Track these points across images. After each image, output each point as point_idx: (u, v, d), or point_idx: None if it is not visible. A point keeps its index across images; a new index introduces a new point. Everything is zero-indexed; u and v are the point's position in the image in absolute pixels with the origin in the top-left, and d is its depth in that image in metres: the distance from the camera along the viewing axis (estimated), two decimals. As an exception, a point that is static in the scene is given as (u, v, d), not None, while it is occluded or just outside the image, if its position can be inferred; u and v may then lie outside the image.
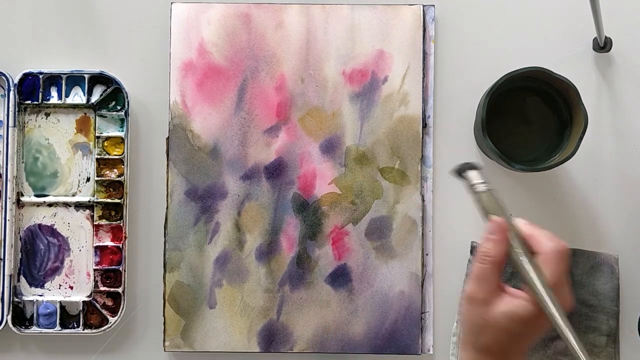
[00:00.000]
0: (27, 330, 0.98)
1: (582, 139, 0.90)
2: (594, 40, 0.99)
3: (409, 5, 0.99)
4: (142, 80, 1.00)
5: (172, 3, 0.99)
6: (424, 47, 0.99)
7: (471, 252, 0.98)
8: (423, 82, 0.99)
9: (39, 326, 0.98)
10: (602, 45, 0.98)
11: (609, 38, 0.98)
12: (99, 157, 0.99)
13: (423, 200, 0.98)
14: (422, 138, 0.98)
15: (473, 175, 0.78)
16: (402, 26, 0.98)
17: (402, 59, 0.98)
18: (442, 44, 1.00)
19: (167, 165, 0.98)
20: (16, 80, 0.98)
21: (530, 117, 0.97)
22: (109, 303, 0.98)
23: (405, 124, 0.98)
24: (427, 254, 0.99)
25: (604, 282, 0.98)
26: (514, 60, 0.98)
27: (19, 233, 0.99)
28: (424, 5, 0.99)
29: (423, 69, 0.99)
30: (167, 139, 0.98)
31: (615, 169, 0.99)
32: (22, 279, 0.99)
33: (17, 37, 1.01)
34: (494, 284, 0.73)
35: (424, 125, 0.99)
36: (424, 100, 0.99)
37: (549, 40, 1.00)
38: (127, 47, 1.01)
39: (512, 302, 0.72)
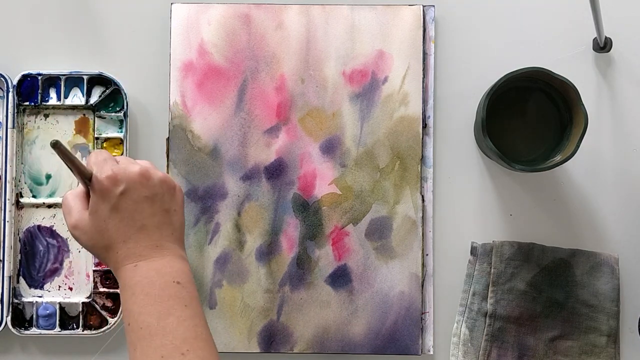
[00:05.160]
0: (26, 332, 0.98)
1: (582, 139, 0.90)
2: (594, 40, 1.00)
3: (409, 5, 0.99)
4: (142, 81, 1.00)
5: (172, 3, 0.99)
6: (424, 47, 0.99)
7: (471, 252, 0.99)
8: (423, 82, 0.99)
9: (38, 327, 0.98)
10: (602, 45, 0.98)
11: (609, 38, 0.98)
12: (98, 158, 0.98)
13: (423, 201, 0.98)
14: (422, 138, 0.98)
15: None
16: (402, 26, 0.99)
17: (402, 59, 0.98)
18: (442, 44, 1.00)
19: (167, 165, 0.98)
20: (15, 82, 0.98)
21: (530, 117, 0.97)
22: (109, 304, 0.98)
23: (405, 124, 0.98)
24: (427, 254, 0.99)
25: (604, 283, 0.98)
26: (514, 60, 0.99)
27: (18, 234, 0.99)
28: (423, 6, 0.99)
29: (423, 69, 0.99)
30: (167, 139, 0.98)
31: (615, 169, 0.99)
32: (22, 280, 0.99)
33: (16, 38, 1.01)
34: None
35: (424, 126, 0.99)
36: (424, 101, 0.99)
37: (549, 40, 1.00)
38: (127, 48, 1.01)
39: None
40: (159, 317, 0.76)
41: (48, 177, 0.99)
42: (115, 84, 0.99)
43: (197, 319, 0.77)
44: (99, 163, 0.80)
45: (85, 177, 0.79)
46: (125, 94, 0.99)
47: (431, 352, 0.98)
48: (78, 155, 0.99)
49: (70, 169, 0.79)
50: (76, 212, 0.81)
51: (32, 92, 0.99)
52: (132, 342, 0.76)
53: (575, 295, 0.97)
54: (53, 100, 1.00)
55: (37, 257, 0.99)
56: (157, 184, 0.81)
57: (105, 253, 0.80)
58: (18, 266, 0.99)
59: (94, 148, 0.99)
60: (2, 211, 0.98)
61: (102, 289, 0.98)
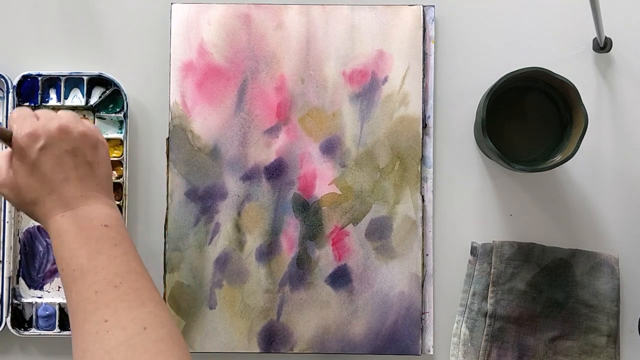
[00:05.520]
0: (26, 332, 0.98)
1: (582, 139, 0.90)
2: (594, 40, 1.00)
3: (409, 5, 0.99)
4: (142, 81, 1.00)
5: (172, 4, 0.99)
6: (424, 47, 0.99)
7: (471, 252, 0.98)
8: (423, 82, 0.99)
9: (38, 328, 0.98)
10: (602, 46, 0.98)
11: (609, 38, 0.98)
12: (98, 158, 0.98)
13: (423, 201, 0.98)
14: (422, 138, 0.98)
15: None
16: (402, 26, 0.99)
17: (402, 59, 0.98)
18: (442, 45, 1.00)
19: (167, 165, 0.98)
20: (15, 82, 0.98)
21: (530, 117, 0.97)
22: (109, 304, 0.98)
23: (405, 124, 0.98)
24: (427, 255, 0.99)
25: (604, 283, 0.98)
26: (514, 60, 0.99)
27: (18, 235, 0.99)
28: (423, 6, 0.99)
29: (423, 70, 0.99)
30: (167, 139, 0.98)
31: (615, 169, 0.99)
32: (21, 280, 0.99)
33: (16, 39, 1.01)
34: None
35: (424, 126, 0.99)
36: (424, 101, 0.99)
37: (549, 40, 1.00)
38: (127, 48, 1.01)
39: None
40: (89, 257, 0.77)
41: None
42: (115, 84, 0.99)
43: (129, 256, 0.80)
44: (19, 121, 0.82)
45: (5, 137, 0.81)
46: (125, 94, 0.99)
47: (431, 352, 0.98)
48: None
49: None
50: (3, 171, 0.83)
51: (32, 92, 0.99)
52: (68, 286, 0.78)
53: (575, 296, 0.97)
54: (53, 101, 1.00)
55: (36, 257, 0.99)
56: (78, 138, 0.83)
57: (32, 208, 0.82)
58: (18, 267, 0.99)
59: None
60: (2, 212, 0.98)
61: (101, 290, 0.98)
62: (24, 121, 0.82)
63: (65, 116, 0.84)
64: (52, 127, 0.81)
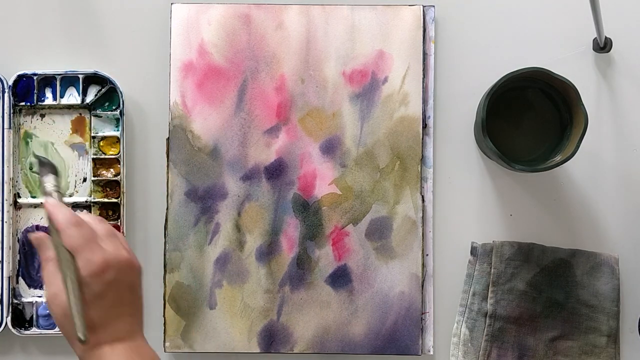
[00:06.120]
0: (26, 332, 0.98)
1: (582, 139, 0.90)
2: (594, 40, 1.00)
3: (409, 5, 0.99)
4: (142, 81, 1.00)
5: (172, 4, 0.98)
6: (424, 47, 0.99)
7: (471, 252, 0.99)
8: (423, 82, 0.98)
9: (38, 327, 0.98)
10: (602, 46, 0.98)
11: (609, 38, 0.98)
12: (95, 157, 0.98)
13: (423, 201, 0.98)
14: (422, 138, 0.98)
15: (50, 179, 0.82)
16: (402, 27, 0.98)
17: (402, 59, 0.98)
18: (442, 45, 1.00)
19: (167, 165, 0.98)
20: (10, 82, 0.98)
21: (530, 118, 0.97)
22: (108, 304, 0.98)
23: (405, 124, 0.98)
24: (427, 255, 0.99)
25: (604, 283, 0.98)
26: (514, 60, 0.98)
27: (16, 235, 0.99)
28: (424, 6, 0.99)
29: (423, 70, 0.99)
30: (168, 139, 0.98)
31: (615, 169, 0.99)
32: (21, 280, 0.98)
33: (13, 39, 1.01)
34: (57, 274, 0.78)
35: (424, 126, 0.99)
36: (424, 101, 0.99)
37: (549, 40, 1.00)
38: (127, 48, 1.00)
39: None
40: None
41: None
42: (111, 82, 0.98)
43: None
44: (86, 247, 0.77)
45: (70, 267, 0.76)
46: (120, 92, 0.98)
47: (431, 352, 0.98)
48: (75, 155, 0.99)
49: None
50: (59, 284, 0.77)
51: (27, 92, 0.99)
52: None
53: (575, 296, 0.98)
54: (49, 100, 0.99)
55: (35, 257, 0.99)
56: (137, 274, 0.81)
57: None
58: (17, 266, 0.99)
59: (90, 147, 0.99)
60: (0, 212, 0.97)
61: (101, 289, 0.97)
62: (90, 248, 0.77)
63: (122, 239, 0.81)
64: (122, 257, 0.78)
